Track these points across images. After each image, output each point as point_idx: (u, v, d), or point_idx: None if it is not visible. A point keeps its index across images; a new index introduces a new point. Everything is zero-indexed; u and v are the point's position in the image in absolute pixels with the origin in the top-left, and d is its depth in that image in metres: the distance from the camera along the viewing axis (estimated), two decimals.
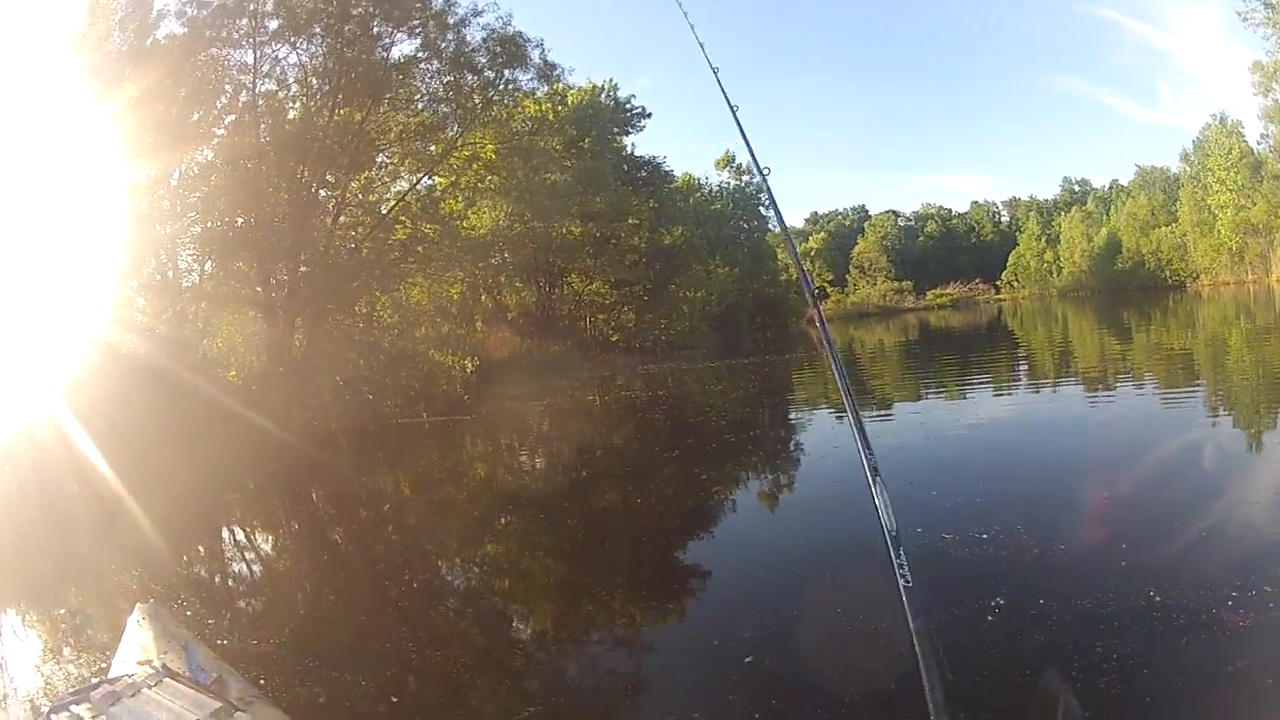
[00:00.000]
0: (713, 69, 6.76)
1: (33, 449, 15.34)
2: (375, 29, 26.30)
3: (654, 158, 53.73)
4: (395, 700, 6.92)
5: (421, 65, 28.25)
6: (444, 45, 28.13)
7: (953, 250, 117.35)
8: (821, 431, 19.79)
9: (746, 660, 7.27)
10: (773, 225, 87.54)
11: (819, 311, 4.46)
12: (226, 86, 24.77)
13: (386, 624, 8.98)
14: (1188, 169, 73.34)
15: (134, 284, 23.31)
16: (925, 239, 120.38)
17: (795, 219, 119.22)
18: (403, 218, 29.16)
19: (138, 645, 5.18)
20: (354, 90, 25.70)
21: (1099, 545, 9.40)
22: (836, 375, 3.77)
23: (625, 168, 49.55)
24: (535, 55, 30.39)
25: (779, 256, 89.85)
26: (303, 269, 25.54)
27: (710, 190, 73.03)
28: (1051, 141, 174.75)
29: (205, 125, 24.60)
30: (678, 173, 61.91)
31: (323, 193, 26.96)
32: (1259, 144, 62.23)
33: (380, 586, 10.41)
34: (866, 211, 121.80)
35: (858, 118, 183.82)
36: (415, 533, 13.50)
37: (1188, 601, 7.41)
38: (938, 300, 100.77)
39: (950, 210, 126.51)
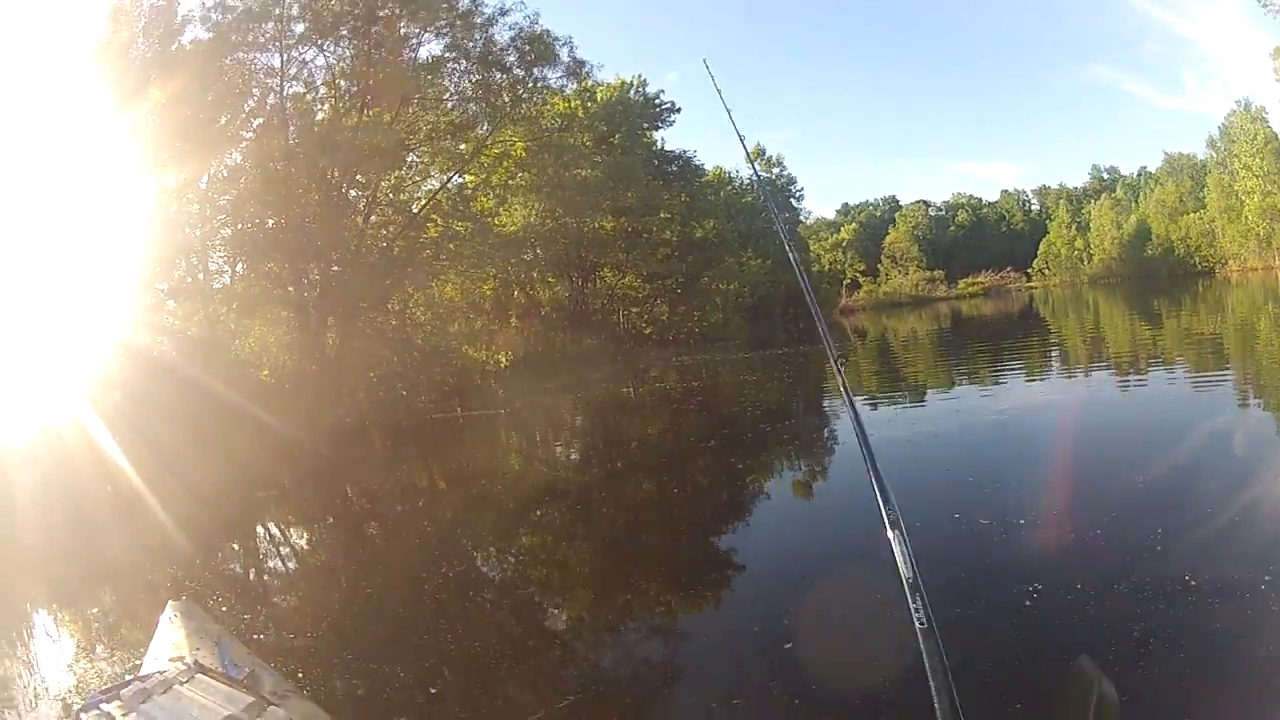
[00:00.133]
0: (726, 110, 6.82)
1: (63, 452, 15.41)
2: (402, 30, 26.39)
3: (684, 152, 53.51)
4: (433, 691, 6.98)
5: (449, 65, 28.15)
6: (471, 45, 28.06)
7: (983, 239, 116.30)
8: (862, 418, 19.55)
9: (787, 646, 7.23)
10: (804, 217, 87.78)
11: (823, 326, 4.48)
12: (254, 90, 24.79)
13: (423, 616, 8.97)
14: (1214, 155, 72.57)
15: (164, 287, 23.41)
16: (956, 228, 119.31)
17: (827, 210, 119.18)
18: (434, 216, 29.10)
19: (170, 642, 5.14)
20: (382, 91, 25.63)
21: (1134, 529, 9.30)
22: (854, 424, 3.59)
23: (656, 162, 49.34)
24: (564, 53, 30.20)
25: (811, 248, 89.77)
26: (334, 268, 25.52)
27: (741, 183, 72.71)
28: (1079, 129, 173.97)
29: (233, 129, 24.58)
30: (708, 166, 61.89)
31: (353, 193, 27.04)
32: None
33: (416, 579, 10.30)
34: (897, 202, 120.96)
35: (886, 108, 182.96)
36: (450, 526, 13.48)
37: (1223, 585, 7.34)
38: (969, 289, 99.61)
39: (980, 199, 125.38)
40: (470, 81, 28.66)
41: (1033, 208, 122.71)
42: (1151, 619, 6.97)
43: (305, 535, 13.78)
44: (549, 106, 34.56)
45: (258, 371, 21.87)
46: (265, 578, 11.22)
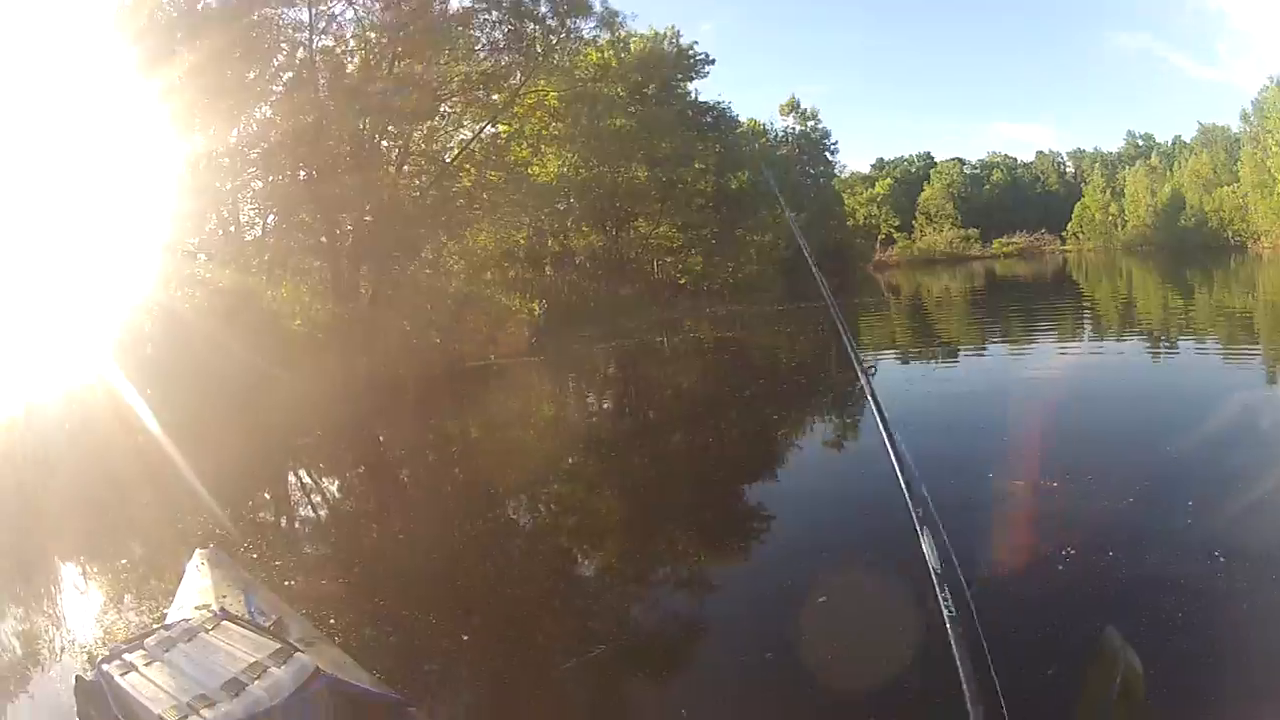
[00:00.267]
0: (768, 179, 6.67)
1: (93, 407, 15.43)
2: None
3: (719, 103, 53.11)
4: (464, 639, 7.00)
5: (480, 16, 27.83)
6: None
7: (1018, 200, 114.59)
8: (891, 375, 19.83)
9: (820, 600, 7.25)
10: (839, 171, 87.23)
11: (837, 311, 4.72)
12: (283, 45, 24.54)
13: (454, 563, 8.98)
14: (1247, 129, 71.41)
15: (195, 241, 23.45)
16: (991, 188, 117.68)
17: (861, 164, 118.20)
18: (467, 166, 28.92)
19: (197, 590, 5.26)
20: (413, 43, 25.38)
21: (1166, 499, 9.41)
22: (880, 426, 3.58)
23: (690, 113, 48.91)
24: (597, 3, 30.00)
25: (846, 202, 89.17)
26: (367, 218, 25.39)
27: (776, 135, 72.20)
28: (1115, 94, 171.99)
29: (262, 83, 24.44)
30: (743, 118, 61.38)
31: (385, 144, 26.91)
32: None
33: (448, 527, 10.28)
34: (932, 159, 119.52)
35: (924, 63, 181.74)
36: (483, 473, 13.49)
37: (1252, 564, 7.41)
38: (1004, 250, 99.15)
39: (1015, 159, 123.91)
40: (503, 32, 28.34)
41: (1067, 170, 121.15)
42: (1181, 592, 6.94)
43: (337, 483, 13.79)
44: (582, 57, 34.46)
45: (290, 322, 21.74)
46: (296, 525, 11.23)
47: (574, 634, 7.13)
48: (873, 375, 4.45)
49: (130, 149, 20.35)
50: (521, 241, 36.40)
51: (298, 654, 3.97)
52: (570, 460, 14.30)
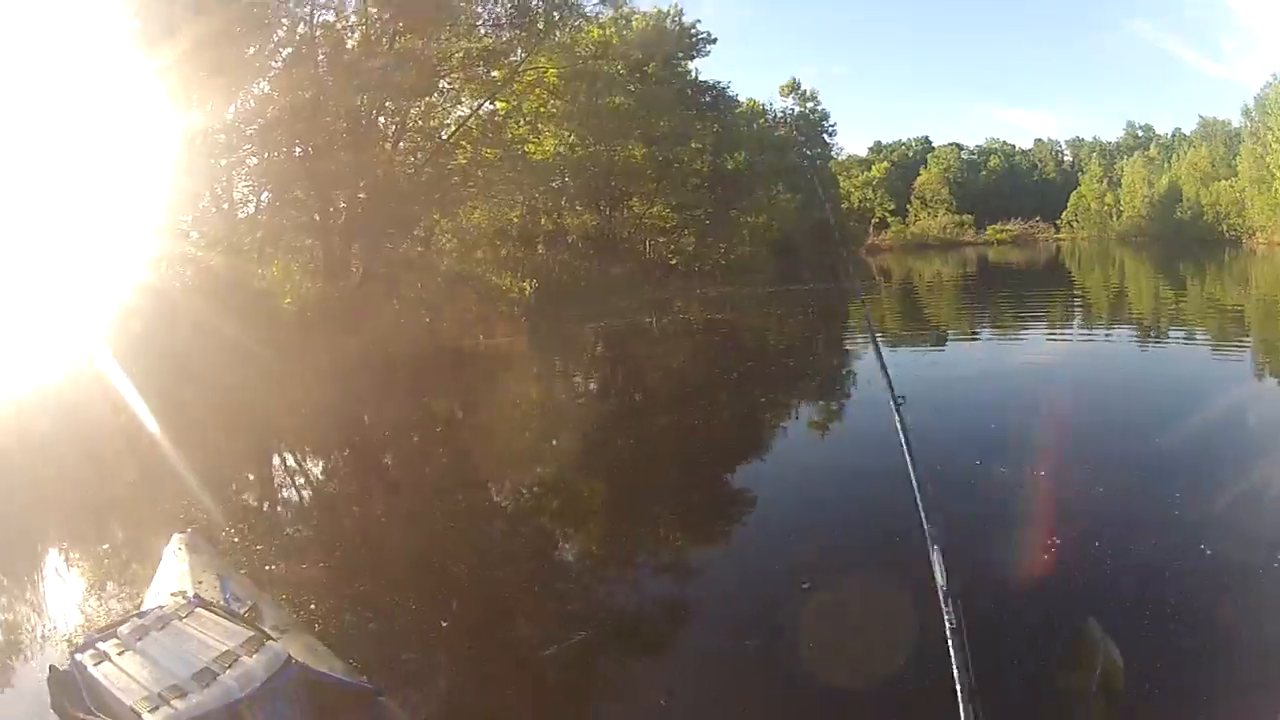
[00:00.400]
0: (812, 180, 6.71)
1: (79, 387, 15.32)
2: None
3: (718, 83, 53.08)
4: (444, 625, 7.03)
5: None
6: None
7: (1014, 187, 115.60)
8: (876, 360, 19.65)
9: (804, 586, 7.32)
10: (836, 153, 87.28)
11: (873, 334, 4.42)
12: (283, 20, 24.31)
13: (436, 547, 8.97)
14: (1248, 125, 71.27)
15: (187, 219, 23.24)
16: (988, 174, 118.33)
17: (859, 147, 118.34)
18: (463, 143, 28.79)
19: (173, 576, 5.23)
20: (415, 17, 25.21)
21: (1154, 491, 9.52)
22: (903, 442, 3.66)
23: (689, 92, 48.91)
24: None
25: (841, 184, 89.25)
26: (361, 195, 25.27)
27: (774, 116, 72.20)
28: (1116, 84, 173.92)
29: (261, 59, 24.26)
30: (742, 98, 61.40)
31: (382, 120, 26.76)
32: None
33: (430, 509, 10.34)
34: (930, 143, 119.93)
35: (927, 47, 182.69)
36: (467, 455, 13.53)
37: (1238, 558, 7.41)
38: (998, 236, 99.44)
39: (1013, 146, 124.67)
40: (505, 8, 28.19)
41: (1065, 159, 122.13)
42: (1165, 585, 7.02)
43: (320, 465, 13.66)
44: (584, 34, 34.08)
45: (279, 301, 21.72)
46: (278, 508, 11.12)
47: (555, 619, 7.19)
48: (902, 404, 4.52)
49: (126, 126, 20.10)
50: (515, 220, 36.39)
51: (270, 642, 3.98)
52: (555, 442, 14.39)
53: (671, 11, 47.09)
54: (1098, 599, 6.79)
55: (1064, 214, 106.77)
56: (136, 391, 13.79)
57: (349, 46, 25.51)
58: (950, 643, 2.58)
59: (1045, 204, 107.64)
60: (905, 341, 24.54)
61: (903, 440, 3.73)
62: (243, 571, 6.56)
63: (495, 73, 29.17)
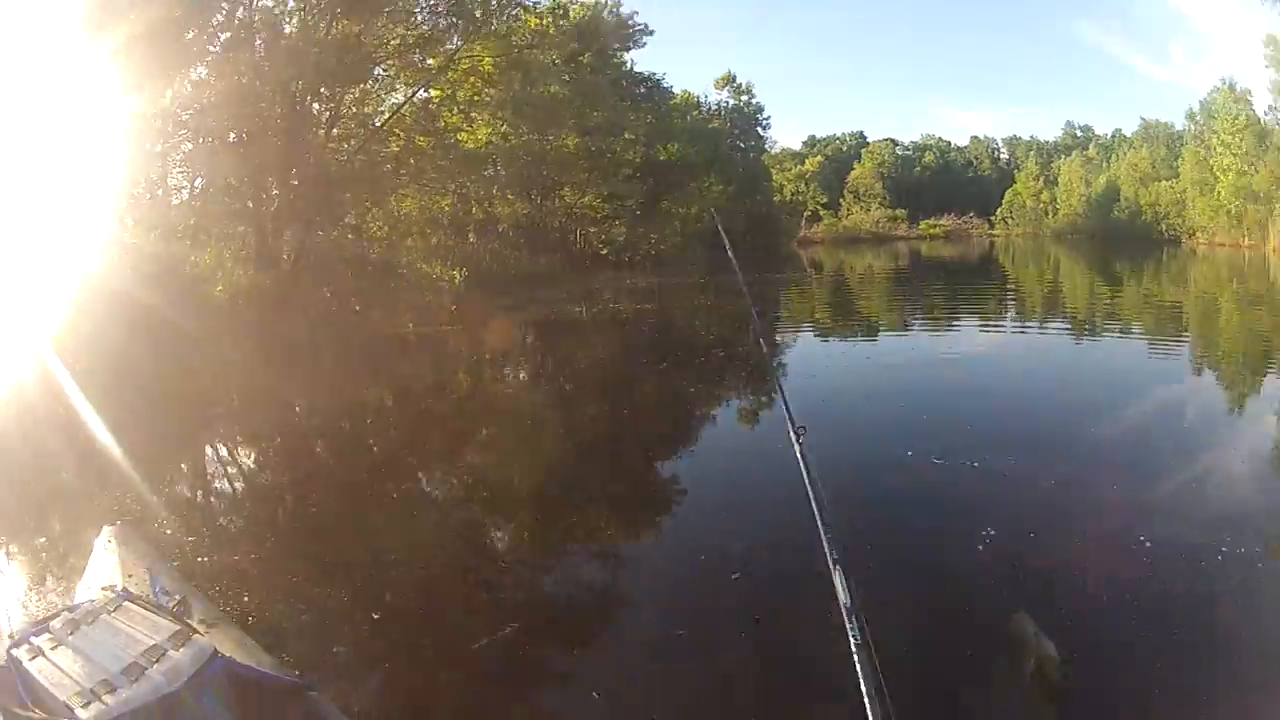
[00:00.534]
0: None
1: (14, 374, 14.95)
2: None
3: (653, 74, 53.49)
4: (375, 617, 7.02)
5: None
6: None
7: (949, 183, 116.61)
8: (810, 350, 20.63)
9: (733, 577, 7.57)
10: (769, 146, 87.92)
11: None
12: (223, 4, 24.20)
13: (367, 537, 9.03)
14: (1192, 128, 72.60)
15: (121, 205, 22.98)
16: (922, 169, 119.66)
17: (793, 141, 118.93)
18: (397, 130, 28.94)
19: (103, 569, 5.23)
20: (353, 2, 25.19)
21: (1092, 483, 9.80)
22: (804, 474, 3.76)
23: (624, 83, 49.32)
24: None
25: (774, 177, 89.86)
26: (294, 182, 25.30)
27: (709, 108, 72.75)
28: (1057, 84, 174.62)
29: (200, 43, 24.12)
30: (677, 90, 61.88)
31: (316, 106, 26.75)
32: (1266, 115, 61.89)
33: (361, 499, 10.39)
34: (865, 138, 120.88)
35: (862, 41, 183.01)
36: (396, 445, 13.61)
37: (1179, 550, 7.72)
38: (930, 231, 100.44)
39: (949, 143, 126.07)
40: None
41: (1002, 156, 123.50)
42: (1103, 575, 7.19)
43: (253, 455, 13.61)
44: (520, 23, 34.25)
45: (212, 288, 21.78)
46: (211, 499, 11.05)
47: (487, 610, 7.31)
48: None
49: (62, 111, 19.99)
50: (446, 208, 36.43)
51: (196, 636, 3.95)
52: (486, 431, 14.59)
53: (609, 2, 47.37)
54: (1033, 591, 7.04)
55: (999, 210, 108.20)
56: (71, 380, 13.71)
57: (287, 31, 25.53)
58: (856, 658, 2.64)
59: (980, 200, 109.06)
60: (836, 334, 25.06)
61: (803, 468, 3.82)
62: (174, 564, 6.55)
63: (431, 60, 29.22)
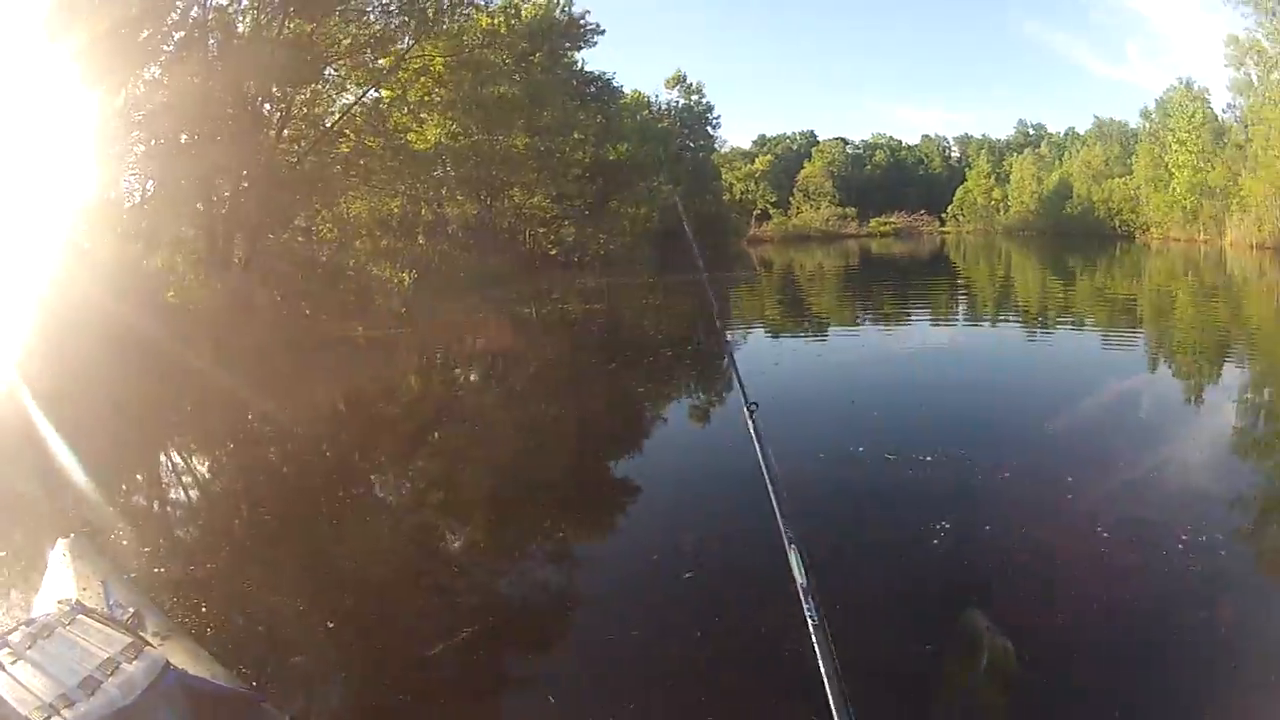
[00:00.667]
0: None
1: None
2: None
3: (604, 74, 53.58)
4: (330, 624, 7.03)
5: None
6: None
7: (900, 181, 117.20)
8: (759, 349, 20.53)
9: (686, 576, 7.66)
10: (719, 146, 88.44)
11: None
12: (178, 3, 23.91)
13: (322, 544, 9.10)
14: (1147, 125, 74.08)
15: (74, 209, 22.29)
16: (873, 168, 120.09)
17: (743, 140, 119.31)
18: (347, 131, 28.95)
19: (58, 582, 5.19)
20: (305, 1, 25.20)
21: (1046, 476, 9.97)
22: (758, 451, 3.73)
23: (575, 83, 49.32)
24: None
25: (724, 176, 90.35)
26: (244, 184, 25.23)
27: (659, 108, 73.12)
28: (1010, 84, 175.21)
29: (154, 43, 23.77)
30: (627, 90, 62.18)
31: (267, 107, 26.70)
32: (1224, 113, 63.36)
33: (315, 506, 10.45)
34: (815, 137, 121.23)
35: (812, 39, 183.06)
36: (349, 449, 13.66)
37: (1138, 541, 7.87)
38: (881, 228, 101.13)
39: (900, 141, 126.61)
40: None
41: (953, 154, 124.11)
42: (1063, 567, 7.39)
43: (207, 462, 13.55)
44: (472, 22, 34.29)
45: (164, 293, 21.73)
46: (167, 508, 11.06)
47: (441, 615, 7.37)
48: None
49: (14, 114, 20.00)
50: (395, 210, 36.44)
51: (148, 649, 3.92)
52: (437, 435, 14.78)
53: (561, 1, 47.55)
54: (989, 583, 7.21)
55: (950, 208, 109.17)
56: (25, 389, 13.84)
57: (240, 31, 25.44)
58: (814, 639, 2.62)
59: (931, 198, 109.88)
60: (786, 331, 25.28)
61: (756, 444, 3.82)
62: (130, 576, 6.38)
63: (382, 60, 29.27)
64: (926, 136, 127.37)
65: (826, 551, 7.61)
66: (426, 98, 33.34)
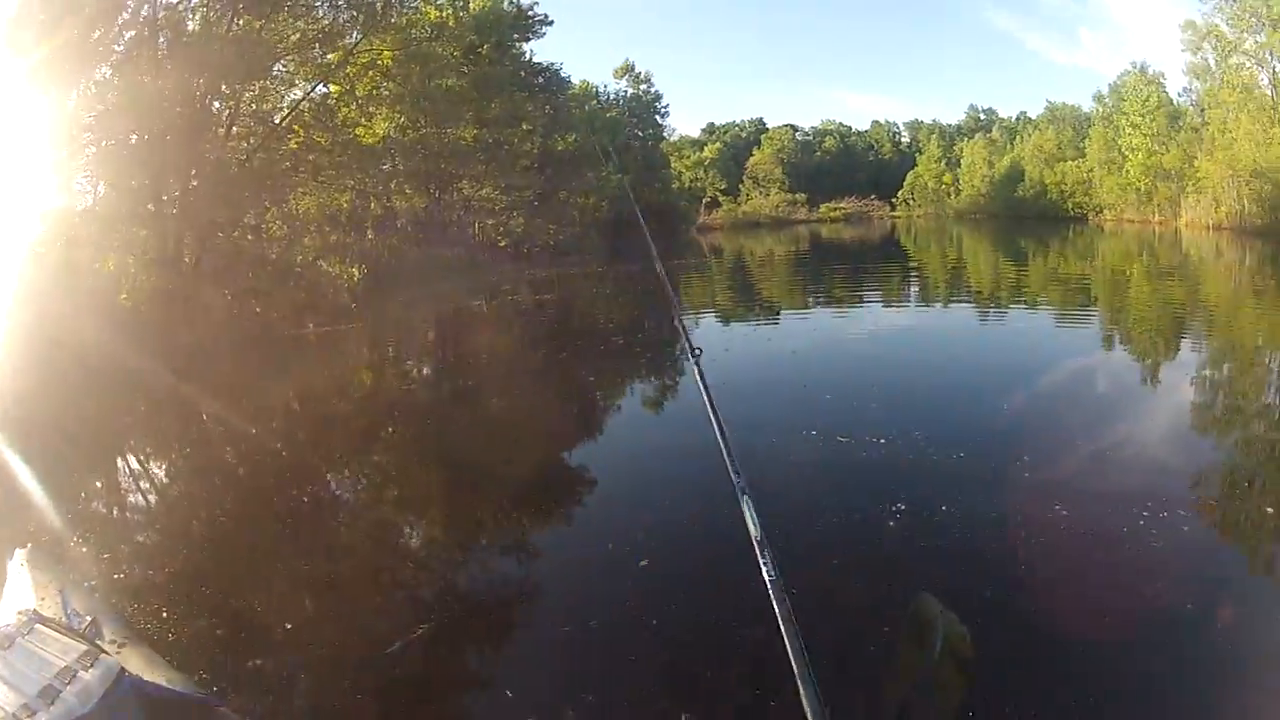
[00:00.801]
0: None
1: None
2: None
3: (552, 64, 53.54)
4: (288, 627, 7.08)
5: None
6: None
7: (850, 166, 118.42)
8: (710, 336, 20.61)
9: (642, 564, 7.75)
10: (668, 134, 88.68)
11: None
12: (129, 1, 23.86)
13: (279, 544, 9.14)
14: (1100, 109, 75.26)
15: (28, 212, 22.19)
16: (822, 154, 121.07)
17: (692, 129, 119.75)
18: (295, 127, 28.96)
19: (17, 592, 5.12)
20: None
21: (1001, 457, 9.98)
22: (704, 394, 3.68)
23: (523, 74, 49.19)
24: None
25: (673, 164, 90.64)
26: (194, 183, 25.21)
27: (607, 98, 73.39)
28: (961, 69, 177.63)
29: (106, 43, 23.70)
30: (575, 80, 62.43)
31: (216, 104, 26.68)
32: (1180, 97, 64.46)
33: (270, 506, 10.45)
34: (764, 124, 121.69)
35: (762, 26, 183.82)
36: (304, 447, 13.66)
37: (1097, 518, 7.99)
38: (831, 214, 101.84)
39: (850, 127, 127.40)
40: None
41: (903, 140, 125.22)
42: (1022, 546, 7.48)
43: (163, 466, 13.47)
44: (420, 15, 34.67)
45: (116, 295, 21.74)
46: (125, 514, 10.92)
47: (399, 612, 7.40)
48: (690, 330, 4.65)
49: None
50: (344, 205, 36.09)
51: (104, 657, 3.90)
52: (391, 430, 14.67)
53: None
54: (946, 565, 7.34)
55: (900, 192, 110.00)
56: None
57: (190, 29, 25.41)
58: (771, 595, 2.62)
59: (881, 183, 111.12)
60: (737, 318, 25.49)
61: (703, 392, 3.73)
62: (89, 584, 6.77)
63: (330, 55, 29.35)
64: (876, 122, 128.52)
65: (779, 536, 7.80)
66: (375, 92, 33.45)
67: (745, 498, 3.03)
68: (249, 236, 28.38)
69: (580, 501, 10.21)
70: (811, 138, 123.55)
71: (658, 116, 79.53)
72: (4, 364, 15.90)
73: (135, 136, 24.19)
